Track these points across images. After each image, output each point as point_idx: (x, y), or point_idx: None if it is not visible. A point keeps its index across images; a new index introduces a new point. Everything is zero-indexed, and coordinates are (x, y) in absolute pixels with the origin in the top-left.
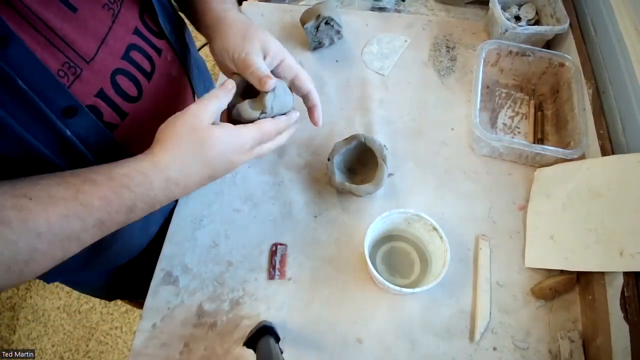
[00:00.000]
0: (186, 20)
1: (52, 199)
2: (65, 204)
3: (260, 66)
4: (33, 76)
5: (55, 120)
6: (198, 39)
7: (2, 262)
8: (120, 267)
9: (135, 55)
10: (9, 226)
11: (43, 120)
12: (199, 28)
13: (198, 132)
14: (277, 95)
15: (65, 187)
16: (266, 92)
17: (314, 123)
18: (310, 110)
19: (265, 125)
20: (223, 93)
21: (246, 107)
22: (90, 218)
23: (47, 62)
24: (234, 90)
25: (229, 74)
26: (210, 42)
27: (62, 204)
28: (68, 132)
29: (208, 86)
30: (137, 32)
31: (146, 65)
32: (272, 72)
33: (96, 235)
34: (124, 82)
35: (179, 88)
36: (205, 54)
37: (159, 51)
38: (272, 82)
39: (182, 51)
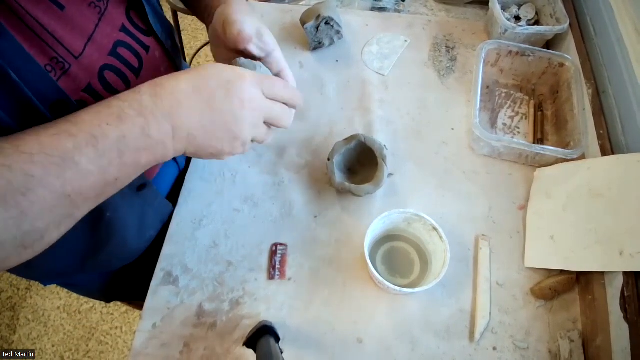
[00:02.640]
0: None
1: (45, 126)
2: (56, 125)
3: (244, 24)
4: (22, 69)
5: (45, 112)
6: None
7: None
8: (117, 270)
9: (123, 52)
10: (2, 153)
11: (33, 113)
12: (199, 9)
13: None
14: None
15: (61, 118)
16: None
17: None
18: None
19: (268, 76)
20: None
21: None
22: (81, 134)
23: (35, 56)
24: None
25: (219, 47)
26: (209, 19)
27: (53, 126)
28: None
29: None
30: (124, 29)
31: (133, 62)
32: (260, 60)
33: (92, 158)
34: (112, 78)
35: None
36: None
37: (146, 48)
38: (247, 34)
39: (172, 48)
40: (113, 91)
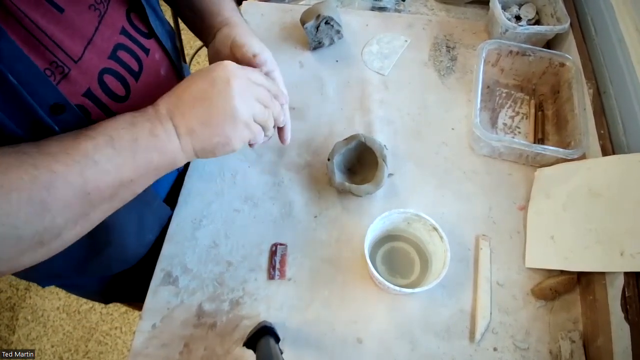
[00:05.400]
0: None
1: (65, 133)
2: (78, 131)
3: (254, 46)
4: (21, 72)
5: (44, 116)
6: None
7: (24, 188)
8: (116, 273)
9: (123, 55)
10: (28, 155)
11: (31, 116)
12: (200, 28)
13: None
14: None
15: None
16: None
17: (282, 141)
18: (279, 129)
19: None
20: None
21: None
22: (100, 136)
23: (35, 60)
24: None
25: None
26: (210, 38)
27: (75, 132)
28: (57, 129)
29: None
30: (124, 32)
31: (134, 65)
32: None
33: (110, 157)
34: (111, 82)
35: (168, 87)
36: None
37: (146, 51)
38: (262, 58)
39: (172, 50)
40: (113, 95)
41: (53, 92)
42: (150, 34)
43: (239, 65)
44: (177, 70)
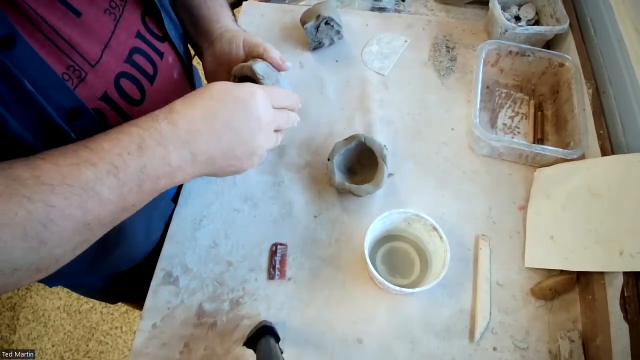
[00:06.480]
0: None
1: (63, 153)
2: (76, 154)
3: (272, 49)
4: (38, 77)
5: (60, 122)
6: None
7: (18, 224)
8: (121, 271)
9: (138, 59)
10: (22, 183)
11: (47, 122)
12: (196, 33)
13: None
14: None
15: (77, 143)
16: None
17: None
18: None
19: (272, 87)
20: None
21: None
22: (102, 163)
23: (52, 64)
24: None
25: (221, 67)
26: (208, 46)
27: (73, 154)
28: (73, 135)
29: None
30: (139, 35)
31: (149, 69)
32: None
33: (113, 187)
34: (127, 86)
35: (181, 90)
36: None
37: (160, 54)
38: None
39: (184, 53)
40: (128, 99)
41: (70, 97)
42: (164, 38)
43: (266, 90)
44: (189, 72)
